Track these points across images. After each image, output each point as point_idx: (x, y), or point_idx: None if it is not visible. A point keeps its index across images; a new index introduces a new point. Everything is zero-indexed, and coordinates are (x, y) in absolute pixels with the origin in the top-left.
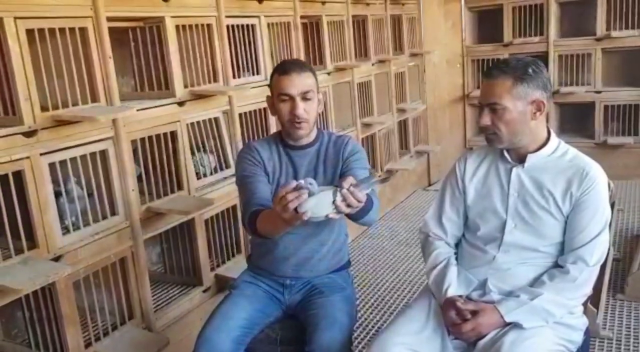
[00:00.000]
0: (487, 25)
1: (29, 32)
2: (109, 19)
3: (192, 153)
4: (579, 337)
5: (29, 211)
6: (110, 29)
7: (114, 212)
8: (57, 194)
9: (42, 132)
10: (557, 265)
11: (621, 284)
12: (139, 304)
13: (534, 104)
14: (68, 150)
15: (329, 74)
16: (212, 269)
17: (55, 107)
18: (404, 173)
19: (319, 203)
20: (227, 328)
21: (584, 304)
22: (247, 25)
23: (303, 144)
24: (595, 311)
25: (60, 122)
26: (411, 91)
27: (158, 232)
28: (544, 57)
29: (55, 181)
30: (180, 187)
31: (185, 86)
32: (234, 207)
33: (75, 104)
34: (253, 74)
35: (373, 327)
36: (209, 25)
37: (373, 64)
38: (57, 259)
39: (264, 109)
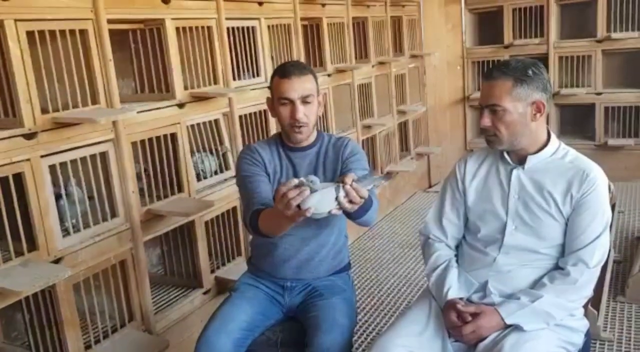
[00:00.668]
0: (488, 27)
1: (30, 34)
2: (110, 21)
3: (192, 153)
4: (579, 340)
5: (29, 213)
6: (111, 31)
7: (114, 214)
8: (58, 196)
9: (42, 134)
10: (557, 267)
11: (622, 286)
12: (139, 306)
13: (534, 106)
14: (68, 153)
15: (329, 75)
16: (213, 271)
17: (56, 109)
18: (404, 175)
19: (321, 199)
20: (228, 330)
21: (585, 306)
22: (248, 28)
23: (303, 145)
24: (596, 313)
25: (61, 125)
26: (411, 93)
27: (158, 234)
28: (544, 59)
29: (55, 183)
30: (180, 189)
31: (186, 88)
32: (234, 209)
33: (75, 106)
34: (253, 76)
35: (373, 329)
36: (209, 28)
37: (373, 66)
38: (57, 261)
39: (264, 110)
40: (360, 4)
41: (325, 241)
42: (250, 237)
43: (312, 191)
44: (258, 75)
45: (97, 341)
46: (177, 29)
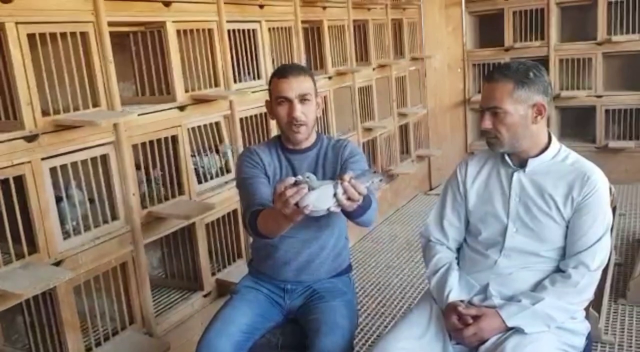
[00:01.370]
0: (488, 29)
1: (30, 37)
2: (110, 24)
3: (193, 156)
4: (580, 342)
5: (29, 215)
6: (112, 34)
7: (114, 217)
8: (58, 199)
9: (43, 136)
10: (558, 269)
11: (623, 288)
12: (139, 308)
13: (535, 108)
14: (69, 155)
15: (330, 78)
16: (213, 273)
17: (57, 112)
18: (405, 177)
19: (320, 197)
20: (228, 333)
21: (586, 309)
22: (248, 30)
23: (302, 147)
24: (597, 315)
25: (62, 127)
26: (412, 95)
27: (159, 237)
28: (544, 61)
29: (56, 186)
30: (181, 192)
31: (186, 91)
32: (234, 212)
33: (76, 108)
34: (254, 79)
35: (374, 332)
36: (210, 30)
37: (374, 69)
38: (57, 263)
39: (265, 113)
40: (360, 6)
41: (325, 243)
42: (251, 239)
43: (310, 189)
44: (259, 77)
45: (98, 344)
46: (178, 31)
